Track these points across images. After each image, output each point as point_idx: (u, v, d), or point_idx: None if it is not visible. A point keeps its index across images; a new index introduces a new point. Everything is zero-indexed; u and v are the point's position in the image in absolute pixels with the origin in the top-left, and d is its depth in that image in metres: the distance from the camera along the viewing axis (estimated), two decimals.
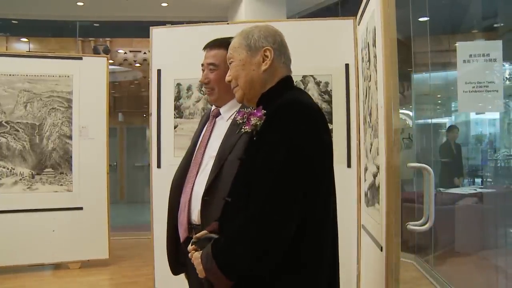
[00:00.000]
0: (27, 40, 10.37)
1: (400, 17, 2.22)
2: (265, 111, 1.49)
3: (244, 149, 1.65)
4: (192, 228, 2.01)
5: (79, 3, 8.16)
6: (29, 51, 9.16)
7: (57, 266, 5.24)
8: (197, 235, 1.64)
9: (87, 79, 5.35)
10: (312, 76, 3.58)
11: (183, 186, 2.09)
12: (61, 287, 4.66)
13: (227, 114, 2.11)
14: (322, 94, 3.58)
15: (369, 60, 2.77)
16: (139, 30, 8.86)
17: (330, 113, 3.54)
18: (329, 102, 3.57)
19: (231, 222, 1.46)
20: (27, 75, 5.20)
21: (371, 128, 2.75)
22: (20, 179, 5.10)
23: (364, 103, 3.13)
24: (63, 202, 5.19)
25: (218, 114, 2.15)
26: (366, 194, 2.99)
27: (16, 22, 9.69)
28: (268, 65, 1.57)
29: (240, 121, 1.57)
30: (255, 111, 1.52)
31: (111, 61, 8.95)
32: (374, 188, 2.62)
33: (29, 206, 5.07)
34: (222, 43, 2.02)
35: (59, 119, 5.26)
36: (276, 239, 1.33)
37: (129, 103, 11.09)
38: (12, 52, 7.97)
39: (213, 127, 2.15)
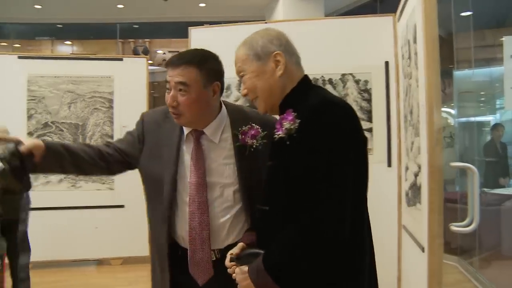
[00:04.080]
0: (70, 43, 10.68)
1: (441, 12, 2.16)
2: (295, 114, 1.41)
3: (271, 154, 1.55)
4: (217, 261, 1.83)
5: (119, 6, 8.33)
6: (72, 53, 9.42)
7: (99, 262, 5.37)
8: (236, 250, 1.58)
9: (127, 79, 5.45)
10: (351, 74, 3.54)
11: (173, 221, 1.87)
12: (103, 282, 4.78)
13: (216, 135, 1.85)
14: (362, 92, 3.53)
15: (409, 58, 2.72)
16: (178, 30, 9.00)
17: (370, 112, 3.49)
18: (369, 101, 3.52)
19: (277, 234, 1.39)
20: (71, 77, 5.35)
21: (412, 127, 2.70)
22: (65, 177, 5.25)
23: (404, 101, 3.07)
24: (105, 200, 5.31)
25: (200, 134, 1.86)
26: (407, 194, 2.94)
27: (60, 26, 10.00)
28: (283, 69, 1.50)
29: (282, 135, 1.43)
30: (285, 115, 1.44)
31: (150, 62, 9.10)
32: (415, 187, 2.56)
33: (74, 203, 5.22)
34: (193, 60, 1.75)
35: (101, 119, 5.39)
36: (335, 246, 1.31)
37: None
38: (56, 54, 8.20)
39: (201, 149, 1.86)
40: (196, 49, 1.87)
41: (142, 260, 5.35)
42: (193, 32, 4.15)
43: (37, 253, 4.13)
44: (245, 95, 1.57)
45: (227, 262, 1.55)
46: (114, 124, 5.40)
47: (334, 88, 3.57)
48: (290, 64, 1.52)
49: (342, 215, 1.30)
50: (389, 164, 3.43)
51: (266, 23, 4.77)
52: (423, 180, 2.25)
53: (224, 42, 4.01)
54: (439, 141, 2.02)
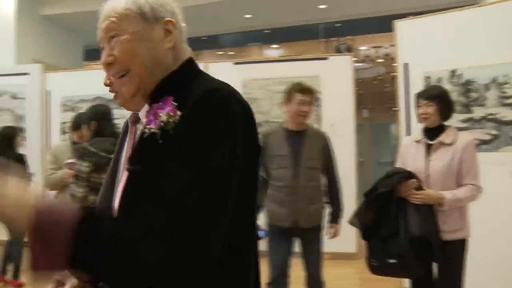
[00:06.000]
0: (277, 46, 11.34)
1: None
2: (176, 104, 1.05)
3: (132, 155, 1.18)
4: None
5: (322, 6, 8.53)
6: (281, 56, 9.96)
7: None
8: None
9: (333, 78, 5.56)
10: None
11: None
12: None
13: None
14: None
15: None
16: (380, 25, 8.84)
17: None
18: None
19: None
20: (280, 78, 5.68)
21: None
22: None
23: None
24: None
25: (137, 119, 1.57)
26: None
27: (267, 31, 10.67)
28: (173, 42, 1.14)
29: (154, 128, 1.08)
30: (160, 103, 1.08)
31: (354, 59, 9.15)
32: None
33: None
34: None
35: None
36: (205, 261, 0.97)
37: (373, 99, 11.15)
38: (267, 58, 8.76)
39: (134, 136, 1.58)
40: None
41: (350, 256, 5.42)
42: (399, 24, 4.05)
43: None
44: (109, 64, 1.14)
45: None
46: (322, 122, 5.55)
47: None
48: (179, 40, 1.17)
49: (220, 231, 0.97)
50: None
51: (479, 6, 4.37)
52: None
53: (432, 32, 3.85)
54: None
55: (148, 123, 1.08)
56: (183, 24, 1.19)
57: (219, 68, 5.96)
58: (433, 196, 2.56)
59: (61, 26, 8.64)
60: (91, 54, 9.26)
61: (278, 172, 3.11)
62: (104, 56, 1.13)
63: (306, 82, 3.26)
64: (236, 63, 6.06)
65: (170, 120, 1.03)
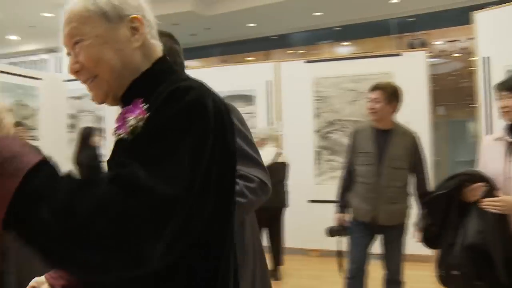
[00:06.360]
0: (347, 43, 11.20)
1: None
2: (147, 105, 0.96)
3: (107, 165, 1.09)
4: None
5: (394, 1, 8.33)
6: (352, 53, 9.83)
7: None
8: None
9: (407, 74, 5.41)
10: None
11: None
12: None
13: None
14: None
15: None
16: (455, 18, 8.50)
17: None
18: None
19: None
20: (351, 76, 5.60)
21: None
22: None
23: None
24: None
25: None
26: None
27: (337, 29, 10.57)
28: (141, 41, 1.05)
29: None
30: (130, 106, 0.99)
31: (430, 54, 8.86)
32: None
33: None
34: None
35: None
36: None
37: (449, 95, 10.71)
38: (338, 56, 8.67)
39: None
40: None
41: (425, 259, 5.26)
42: (478, 16, 3.88)
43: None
44: (77, 72, 1.05)
45: None
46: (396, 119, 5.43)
47: None
48: (149, 37, 1.07)
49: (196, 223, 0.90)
50: None
51: None
52: None
53: None
54: None
55: (118, 128, 1.00)
56: (151, 18, 1.09)
57: (290, 67, 5.99)
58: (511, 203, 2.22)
59: None
60: None
61: (362, 169, 3.16)
62: (70, 63, 1.06)
63: (379, 79, 3.22)
64: (308, 62, 6.05)
65: (139, 123, 0.95)
